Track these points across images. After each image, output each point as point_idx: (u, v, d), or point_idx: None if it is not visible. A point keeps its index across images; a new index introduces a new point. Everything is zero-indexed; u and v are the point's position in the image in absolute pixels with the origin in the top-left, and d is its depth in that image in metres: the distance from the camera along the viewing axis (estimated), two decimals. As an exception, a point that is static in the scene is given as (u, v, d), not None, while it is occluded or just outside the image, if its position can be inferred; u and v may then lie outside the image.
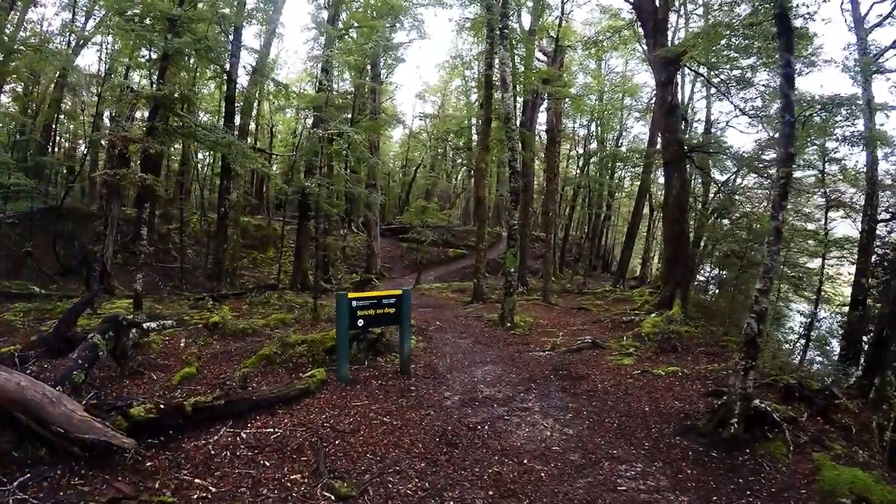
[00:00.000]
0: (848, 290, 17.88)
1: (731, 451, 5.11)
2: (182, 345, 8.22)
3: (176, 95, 10.66)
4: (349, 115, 17.65)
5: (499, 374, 7.60)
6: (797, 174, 15.09)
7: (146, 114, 13.04)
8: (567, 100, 25.73)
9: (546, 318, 13.64)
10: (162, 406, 4.62)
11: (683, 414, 6.12)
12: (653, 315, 11.94)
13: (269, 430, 4.78)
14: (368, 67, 23.73)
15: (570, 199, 30.23)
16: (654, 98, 20.90)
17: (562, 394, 6.74)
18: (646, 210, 26.81)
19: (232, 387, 5.84)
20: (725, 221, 19.36)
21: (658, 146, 22.97)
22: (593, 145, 31.90)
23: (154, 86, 10.46)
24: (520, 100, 23.62)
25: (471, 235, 34.72)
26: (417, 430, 5.17)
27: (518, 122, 12.11)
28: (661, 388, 7.08)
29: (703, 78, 15.29)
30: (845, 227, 16.95)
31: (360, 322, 6.99)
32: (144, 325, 7.48)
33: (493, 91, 16.90)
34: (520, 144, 13.04)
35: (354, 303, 6.86)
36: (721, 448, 5.15)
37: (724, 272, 19.89)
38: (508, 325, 11.34)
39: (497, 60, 12.54)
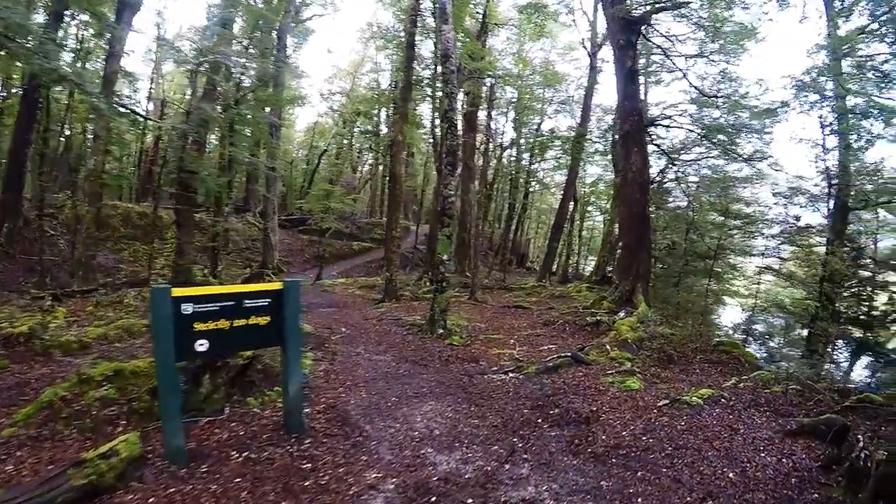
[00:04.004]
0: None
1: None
2: None
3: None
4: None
5: (452, 421, 4.43)
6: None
7: None
8: (486, 85, 23.49)
9: (481, 319, 10.72)
10: None
11: (795, 478, 3.54)
12: (621, 314, 9.47)
13: None
14: (275, 38, 19.85)
15: (486, 189, 27.89)
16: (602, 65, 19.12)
17: (574, 458, 3.74)
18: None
19: None
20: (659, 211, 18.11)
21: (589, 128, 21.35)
22: (510, 135, 29.94)
23: None
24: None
25: (377, 228, 31.66)
26: None
27: (455, 66, 8.98)
28: (718, 429, 4.38)
29: (661, 50, 13.23)
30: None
31: (202, 344, 3.52)
32: None
33: (414, 53, 14.38)
34: (460, 92, 9.96)
35: (187, 306, 3.44)
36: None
37: (662, 265, 18.57)
38: (441, 331, 8.24)
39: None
